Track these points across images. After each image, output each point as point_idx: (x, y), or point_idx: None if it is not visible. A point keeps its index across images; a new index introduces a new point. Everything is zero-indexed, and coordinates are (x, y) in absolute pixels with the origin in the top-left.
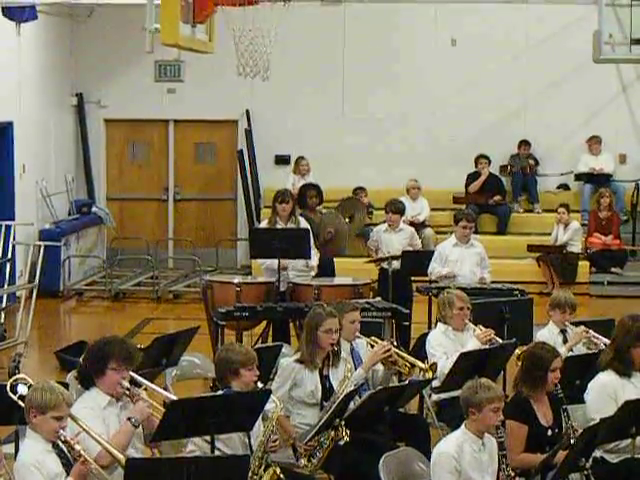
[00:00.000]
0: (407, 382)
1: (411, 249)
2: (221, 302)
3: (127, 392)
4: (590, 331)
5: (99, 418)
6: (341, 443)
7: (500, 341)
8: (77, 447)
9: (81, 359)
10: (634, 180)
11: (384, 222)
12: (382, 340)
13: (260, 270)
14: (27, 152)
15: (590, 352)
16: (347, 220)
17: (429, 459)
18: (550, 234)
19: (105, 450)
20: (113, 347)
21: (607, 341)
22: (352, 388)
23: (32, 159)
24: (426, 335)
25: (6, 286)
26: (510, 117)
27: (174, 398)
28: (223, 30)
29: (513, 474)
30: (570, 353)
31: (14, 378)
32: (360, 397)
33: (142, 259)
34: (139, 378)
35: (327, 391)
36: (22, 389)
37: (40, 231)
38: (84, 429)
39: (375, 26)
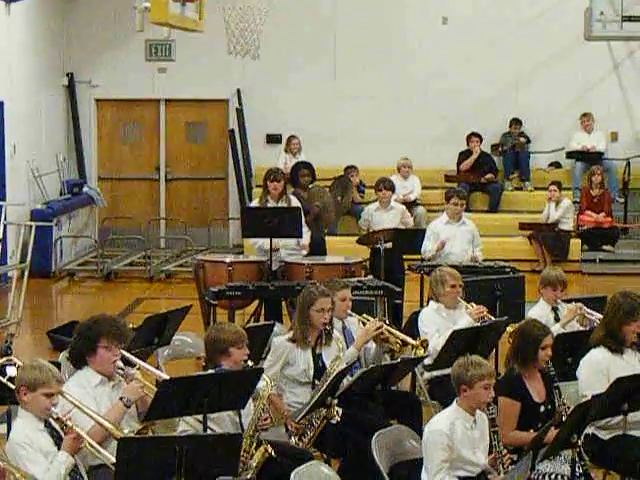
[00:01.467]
0: (399, 360)
1: (403, 227)
2: (213, 281)
3: (121, 372)
4: (584, 307)
5: (90, 396)
6: (333, 421)
7: (492, 319)
8: (69, 423)
9: (72, 338)
10: (625, 158)
11: (375, 201)
12: (374, 318)
13: (252, 249)
14: (18, 132)
15: (582, 329)
16: (339, 199)
17: (421, 437)
18: (542, 212)
19: (98, 424)
20: (103, 325)
21: (601, 316)
22: (344, 366)
23: (23, 139)
24: (418, 313)
25: None
26: (502, 95)
27: (166, 377)
28: (213, 8)
29: (505, 451)
30: (562, 330)
31: (1, 361)
32: (352, 375)
33: (134, 239)
34: (132, 358)
35: (319, 370)
36: (11, 371)
37: (31, 211)
38: (76, 405)
39: (366, 5)
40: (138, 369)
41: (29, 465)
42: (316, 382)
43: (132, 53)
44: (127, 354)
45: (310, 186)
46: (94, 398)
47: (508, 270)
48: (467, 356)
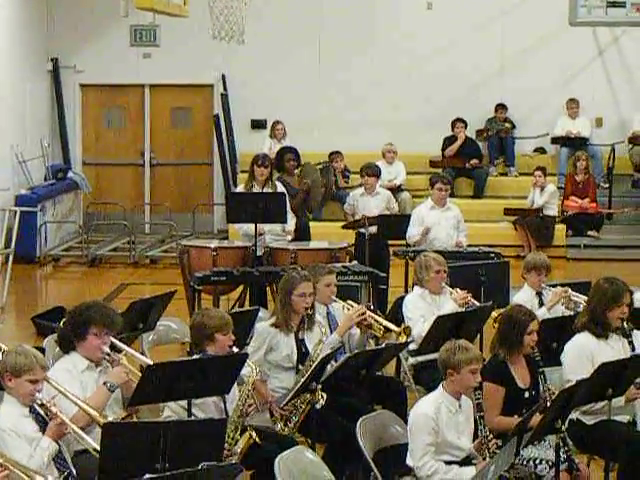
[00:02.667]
0: (384, 345)
1: (388, 213)
2: (198, 267)
3: (107, 357)
4: (569, 290)
5: (77, 381)
6: (318, 407)
7: (477, 304)
8: (54, 409)
9: (62, 323)
10: (610, 144)
11: (360, 186)
12: (358, 304)
13: (237, 234)
14: (2, 118)
15: (568, 314)
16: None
17: (406, 422)
18: (527, 197)
19: (83, 411)
20: (95, 312)
21: (586, 299)
22: (328, 352)
23: (7, 125)
24: (403, 298)
25: None
26: (486, 80)
27: (150, 363)
28: None
29: (490, 436)
30: (547, 315)
31: None
32: (336, 361)
33: (118, 224)
34: (119, 343)
35: (303, 355)
36: None
37: (16, 197)
38: (60, 391)
39: None
40: (124, 355)
41: (13, 452)
42: (300, 367)
43: (117, 38)
44: (116, 341)
45: (302, 163)
46: (80, 383)
47: (493, 255)
48: (454, 340)
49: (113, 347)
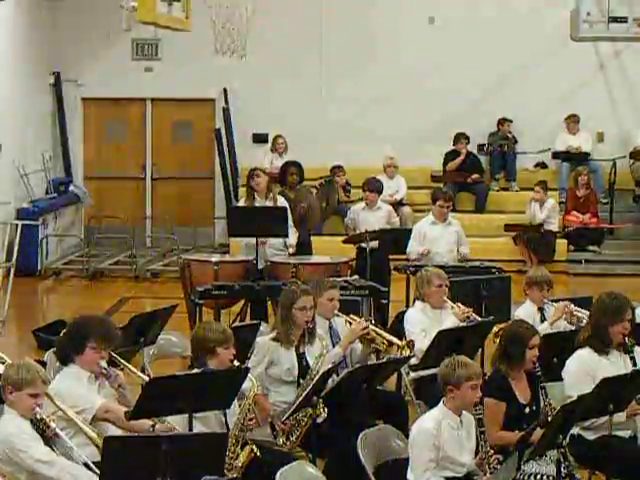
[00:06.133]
0: (385, 360)
1: (389, 227)
2: (199, 281)
3: (104, 372)
4: (571, 305)
5: (86, 389)
6: (319, 421)
7: (478, 319)
8: (52, 425)
9: (61, 334)
10: (612, 159)
11: (361, 200)
12: (360, 318)
13: (238, 248)
14: (4, 131)
15: (569, 330)
16: (324, 205)
17: (407, 437)
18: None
19: (81, 429)
20: (93, 326)
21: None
22: (330, 366)
23: (9, 138)
24: (404, 313)
25: None
26: (488, 95)
27: (147, 379)
28: (200, 8)
29: (491, 451)
30: (549, 330)
31: None
32: (338, 375)
33: (120, 238)
34: (118, 358)
35: (304, 369)
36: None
37: (17, 210)
38: (60, 408)
39: (353, 4)
40: (122, 370)
41: (28, 446)
42: (301, 381)
43: (119, 52)
44: (113, 354)
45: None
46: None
47: (494, 270)
48: (454, 356)
49: (112, 362)
